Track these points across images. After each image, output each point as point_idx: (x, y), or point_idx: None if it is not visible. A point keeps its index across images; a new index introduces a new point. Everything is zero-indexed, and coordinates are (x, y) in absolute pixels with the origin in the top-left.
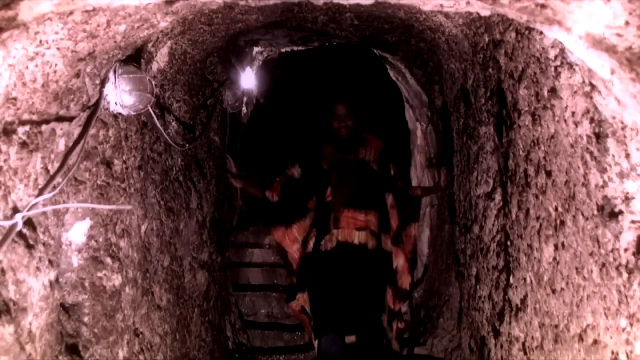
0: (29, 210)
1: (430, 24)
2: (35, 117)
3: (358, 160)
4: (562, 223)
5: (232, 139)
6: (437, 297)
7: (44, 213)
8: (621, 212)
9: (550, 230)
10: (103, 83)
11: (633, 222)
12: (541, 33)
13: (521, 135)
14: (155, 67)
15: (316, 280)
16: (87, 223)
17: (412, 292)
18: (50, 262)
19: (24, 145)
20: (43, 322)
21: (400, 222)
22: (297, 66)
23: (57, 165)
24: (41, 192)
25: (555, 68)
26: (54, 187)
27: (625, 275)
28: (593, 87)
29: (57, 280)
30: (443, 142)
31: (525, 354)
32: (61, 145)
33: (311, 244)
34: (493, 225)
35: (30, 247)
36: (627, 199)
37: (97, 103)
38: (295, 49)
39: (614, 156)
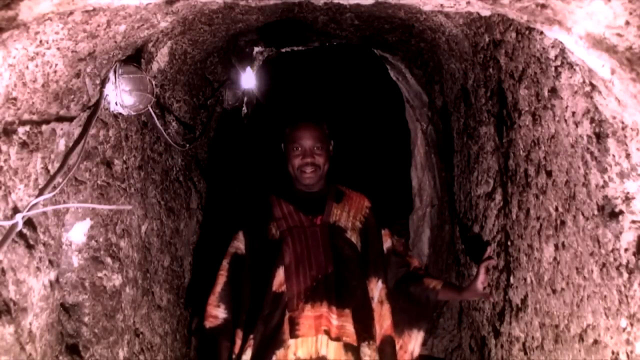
0: (29, 210)
1: (430, 24)
2: (35, 117)
3: (327, 225)
4: (562, 223)
5: (232, 139)
6: None
7: (44, 213)
8: (621, 212)
9: (551, 230)
10: (103, 83)
11: (633, 221)
12: (541, 33)
13: (521, 135)
14: (155, 66)
15: None
16: (87, 223)
17: None
18: (50, 262)
19: (24, 145)
20: (43, 322)
21: (394, 327)
22: (297, 66)
23: (57, 165)
24: (41, 192)
25: (556, 68)
26: (54, 187)
27: (626, 275)
28: (593, 86)
29: (57, 280)
30: (443, 142)
31: (526, 353)
32: (61, 145)
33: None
34: (493, 225)
35: (30, 247)
36: (627, 199)
37: (97, 103)
38: (295, 48)
39: (614, 156)
